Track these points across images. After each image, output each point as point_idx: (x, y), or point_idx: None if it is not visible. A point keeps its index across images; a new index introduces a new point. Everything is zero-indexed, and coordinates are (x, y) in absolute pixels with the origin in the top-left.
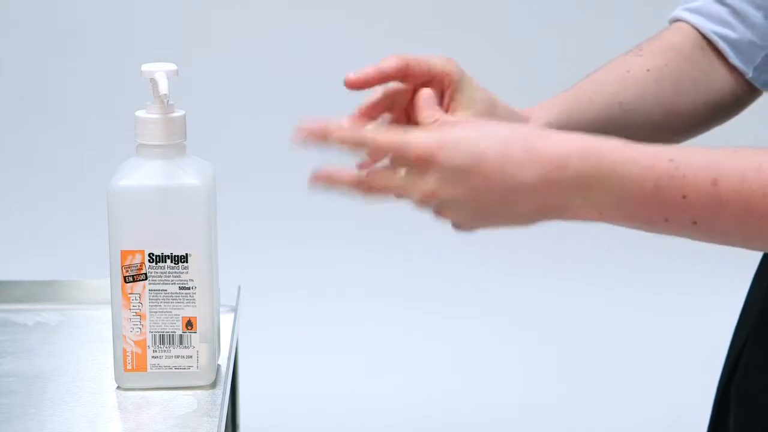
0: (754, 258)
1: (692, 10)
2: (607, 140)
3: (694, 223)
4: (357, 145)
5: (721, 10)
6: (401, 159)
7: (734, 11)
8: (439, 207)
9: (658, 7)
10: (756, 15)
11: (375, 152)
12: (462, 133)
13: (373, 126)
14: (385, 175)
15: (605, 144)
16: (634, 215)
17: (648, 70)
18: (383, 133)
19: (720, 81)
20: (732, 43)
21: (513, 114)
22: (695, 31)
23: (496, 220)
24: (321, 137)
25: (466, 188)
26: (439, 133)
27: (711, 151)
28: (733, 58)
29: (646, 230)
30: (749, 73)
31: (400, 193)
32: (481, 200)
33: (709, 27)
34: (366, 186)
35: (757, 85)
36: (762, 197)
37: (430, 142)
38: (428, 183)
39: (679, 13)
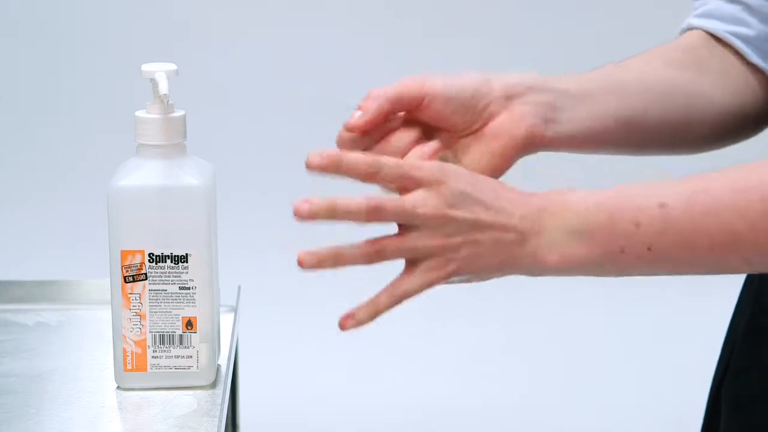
0: None
1: (702, 15)
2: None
3: (649, 249)
4: (371, 170)
5: (733, 9)
6: (412, 181)
7: (747, 7)
8: (446, 252)
9: (662, 9)
10: None
11: (390, 176)
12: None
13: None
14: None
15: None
16: (592, 251)
17: (651, 78)
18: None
19: (741, 84)
20: (749, 41)
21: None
22: (708, 36)
23: (484, 267)
24: (335, 163)
25: (469, 212)
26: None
27: (661, 181)
28: (751, 55)
29: (604, 272)
30: None
31: (408, 253)
32: (477, 228)
33: (722, 28)
34: (376, 253)
35: None
36: (707, 215)
37: (436, 169)
38: (433, 198)
39: (690, 21)
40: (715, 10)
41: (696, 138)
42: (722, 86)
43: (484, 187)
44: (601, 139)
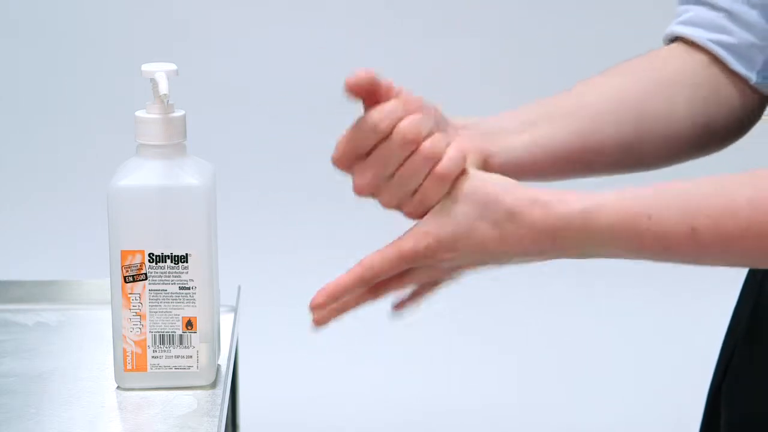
0: None
1: (685, 22)
2: (588, 204)
3: (681, 261)
4: (367, 283)
5: (715, 16)
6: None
7: (729, 14)
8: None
9: (662, 9)
10: (752, 14)
11: (383, 275)
12: (456, 231)
13: (367, 258)
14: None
15: (589, 211)
16: (618, 253)
17: (626, 91)
18: (378, 258)
19: (714, 95)
20: (731, 49)
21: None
22: (686, 46)
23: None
24: (333, 298)
25: (469, 260)
26: (436, 234)
27: (686, 196)
28: (734, 64)
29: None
30: (753, 78)
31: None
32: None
33: (704, 36)
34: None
35: (764, 91)
36: (740, 238)
37: (430, 243)
38: (430, 269)
39: (673, 28)
40: (697, 17)
41: (653, 154)
42: (690, 99)
43: (486, 236)
44: (549, 165)
